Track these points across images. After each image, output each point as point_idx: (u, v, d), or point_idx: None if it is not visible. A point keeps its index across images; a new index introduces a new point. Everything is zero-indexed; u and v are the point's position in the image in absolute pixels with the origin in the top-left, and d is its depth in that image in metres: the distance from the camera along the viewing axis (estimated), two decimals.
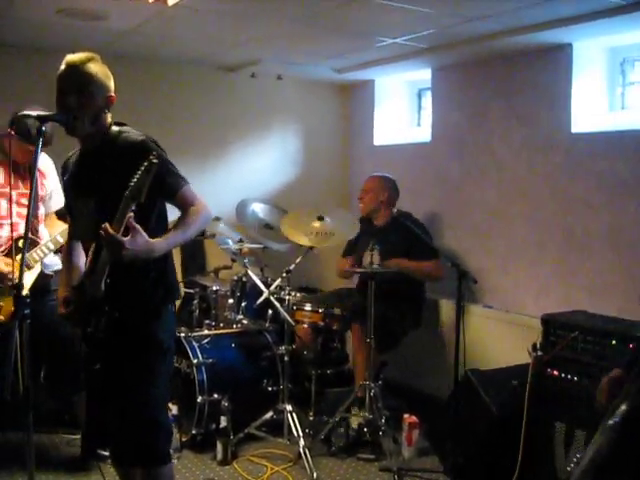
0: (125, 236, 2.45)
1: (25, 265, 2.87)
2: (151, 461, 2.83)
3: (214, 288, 5.17)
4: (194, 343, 4.63)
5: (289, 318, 4.63)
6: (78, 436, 4.42)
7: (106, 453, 3.83)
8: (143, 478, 2.85)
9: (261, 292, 4.72)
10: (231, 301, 5.05)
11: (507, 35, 4.55)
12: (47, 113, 2.59)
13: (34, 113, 2.57)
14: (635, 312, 3.84)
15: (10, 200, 3.73)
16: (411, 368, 5.60)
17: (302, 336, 5.00)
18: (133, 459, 2.85)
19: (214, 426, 4.48)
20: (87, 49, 2.75)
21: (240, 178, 6.26)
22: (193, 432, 4.50)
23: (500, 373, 4.17)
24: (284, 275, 4.73)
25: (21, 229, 3.78)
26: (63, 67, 2.69)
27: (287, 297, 4.73)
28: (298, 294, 5.09)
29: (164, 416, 2.94)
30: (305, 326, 4.96)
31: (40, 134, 2.54)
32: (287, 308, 4.68)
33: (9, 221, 3.73)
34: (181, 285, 5.38)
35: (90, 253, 2.84)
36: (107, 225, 2.41)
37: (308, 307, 4.94)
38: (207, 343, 4.69)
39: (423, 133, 6.16)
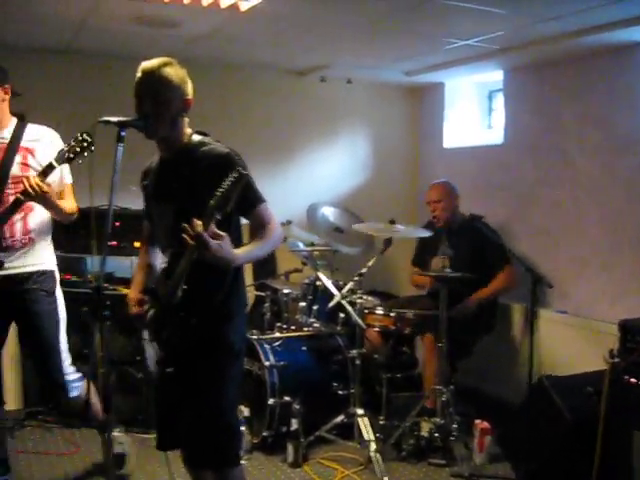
0: None
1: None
2: (222, 464, 2.85)
3: (285, 291, 5.21)
4: (266, 345, 4.66)
5: (361, 322, 4.62)
6: (152, 435, 4.50)
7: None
8: None
9: (332, 295, 4.73)
10: (302, 304, 5.08)
11: (581, 35, 4.46)
12: (126, 118, 2.63)
13: (114, 119, 2.61)
14: None
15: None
16: (481, 373, 5.55)
17: (372, 340, 4.99)
18: (204, 461, 2.86)
19: (285, 428, 4.51)
20: (161, 55, 2.77)
21: (310, 181, 6.30)
22: (264, 434, 4.53)
23: (574, 379, 4.09)
24: (356, 278, 4.72)
25: None
26: (139, 74, 2.72)
27: (359, 300, 4.73)
28: (370, 298, 5.07)
29: (234, 419, 2.96)
30: (376, 330, 4.94)
31: (120, 139, 2.58)
32: (358, 311, 4.69)
33: None
34: (252, 288, 5.44)
35: (166, 259, 2.90)
36: (195, 221, 2.40)
37: (380, 311, 4.91)
38: (278, 346, 4.72)
39: (494, 135, 6.10)
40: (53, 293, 3.69)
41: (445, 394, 4.49)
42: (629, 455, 3.62)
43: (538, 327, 5.20)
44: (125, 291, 3.91)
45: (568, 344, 5.04)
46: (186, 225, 2.41)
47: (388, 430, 4.63)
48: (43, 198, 3.40)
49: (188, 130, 2.82)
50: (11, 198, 3.43)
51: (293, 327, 5.09)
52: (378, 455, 4.27)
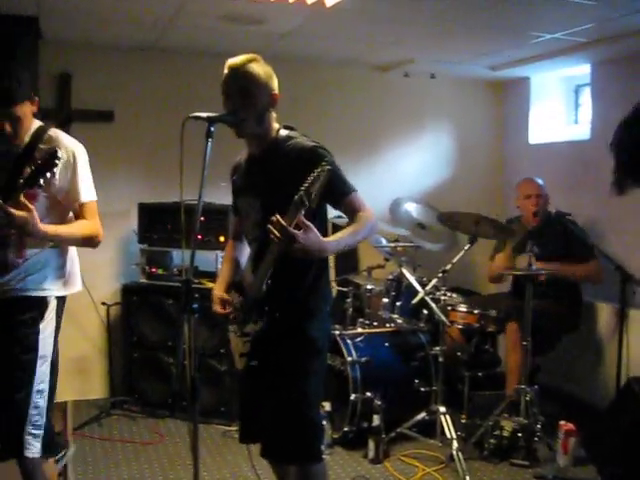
0: None
1: None
2: (304, 459, 2.85)
3: (368, 287, 5.21)
4: (348, 341, 4.68)
5: (445, 319, 4.60)
6: (234, 428, 4.58)
7: None
8: (297, 475, 2.87)
9: (415, 292, 4.71)
10: (385, 300, 5.07)
11: None
12: (216, 114, 2.66)
13: (204, 114, 2.64)
14: None
15: None
16: (566, 373, 5.44)
17: (454, 337, 4.95)
18: (286, 456, 2.87)
19: (366, 424, 4.51)
20: (247, 52, 2.79)
21: (393, 177, 6.28)
22: (345, 429, 4.55)
23: None
24: (440, 275, 4.70)
25: None
26: (226, 71, 2.75)
27: (442, 297, 4.69)
28: (453, 295, 5.03)
29: (317, 414, 2.96)
30: (459, 327, 4.90)
31: (209, 135, 2.61)
32: (441, 308, 4.65)
33: None
34: (334, 283, 5.46)
35: (252, 253, 2.93)
36: (278, 216, 2.40)
37: (463, 308, 4.85)
38: (361, 341, 4.74)
39: (581, 130, 5.97)
40: (36, 323, 3.02)
41: (529, 393, 4.43)
42: None
43: (627, 327, 5.07)
44: (209, 285, 3.97)
45: None
46: (273, 218, 2.41)
47: (470, 429, 4.60)
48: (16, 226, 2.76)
49: (275, 125, 2.84)
50: None
51: (375, 323, 5.09)
52: (460, 454, 4.23)
